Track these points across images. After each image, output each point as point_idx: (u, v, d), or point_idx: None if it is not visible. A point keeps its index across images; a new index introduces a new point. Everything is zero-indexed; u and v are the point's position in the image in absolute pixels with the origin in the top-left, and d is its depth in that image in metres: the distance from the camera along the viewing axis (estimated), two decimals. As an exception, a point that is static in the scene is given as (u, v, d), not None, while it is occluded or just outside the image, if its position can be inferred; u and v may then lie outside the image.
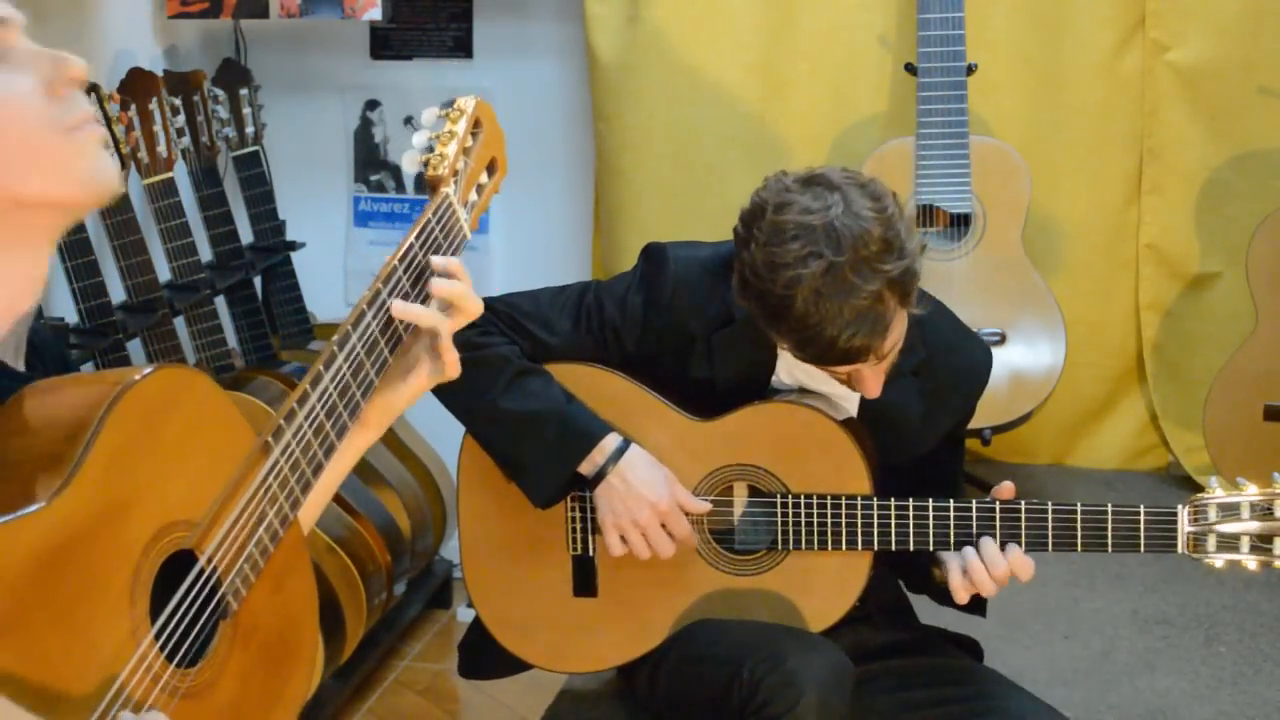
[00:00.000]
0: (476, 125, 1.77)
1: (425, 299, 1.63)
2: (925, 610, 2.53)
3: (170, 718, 1.31)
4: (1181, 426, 3.88)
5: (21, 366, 1.42)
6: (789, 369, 2.21)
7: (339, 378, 1.52)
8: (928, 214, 3.77)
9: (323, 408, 1.50)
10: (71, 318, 3.15)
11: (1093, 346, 3.95)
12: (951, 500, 2.13)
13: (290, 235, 3.97)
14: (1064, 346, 3.71)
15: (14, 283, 1.34)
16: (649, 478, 2.17)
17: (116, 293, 3.24)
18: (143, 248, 3.24)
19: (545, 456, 2.20)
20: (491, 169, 1.82)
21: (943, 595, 2.24)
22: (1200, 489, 3.66)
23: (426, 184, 1.69)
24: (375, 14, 3.79)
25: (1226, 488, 2.14)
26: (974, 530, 2.12)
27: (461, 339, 2.22)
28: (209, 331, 3.51)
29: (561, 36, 4.15)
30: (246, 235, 3.83)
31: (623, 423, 2.22)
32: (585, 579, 2.26)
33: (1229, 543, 2.11)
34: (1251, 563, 2.11)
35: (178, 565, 1.35)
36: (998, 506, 2.12)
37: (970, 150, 3.68)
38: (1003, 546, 2.13)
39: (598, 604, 2.26)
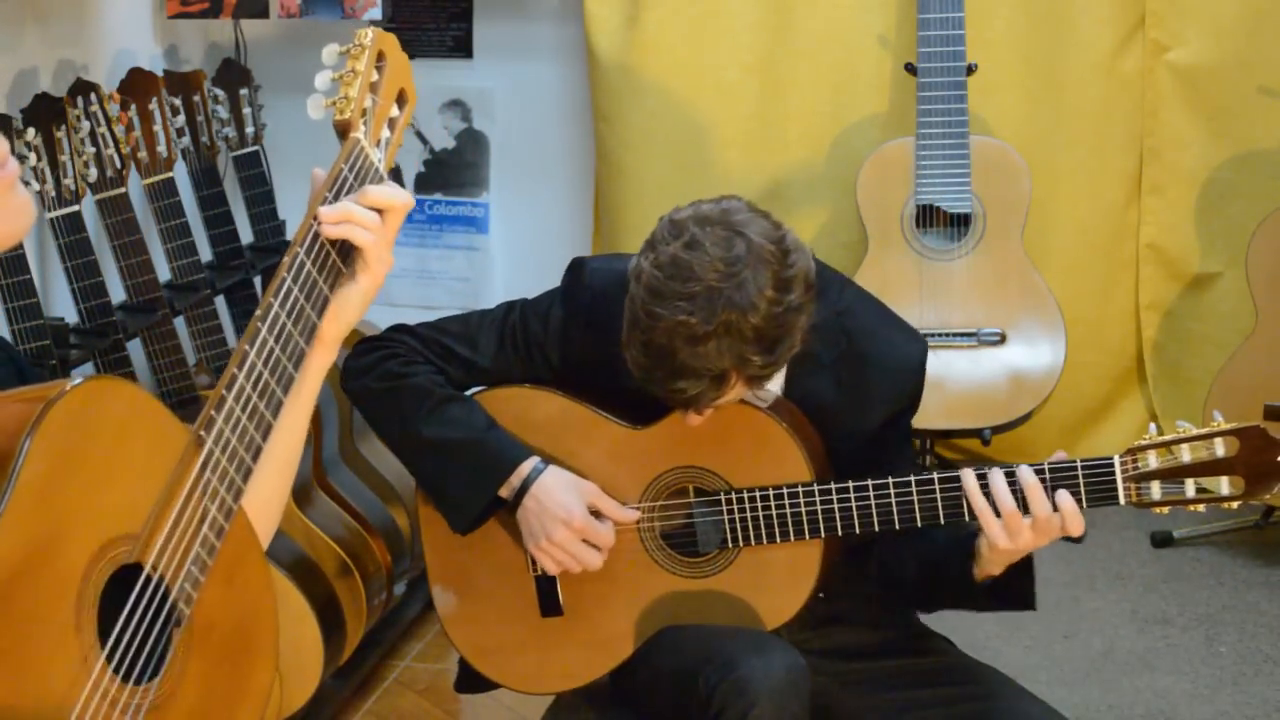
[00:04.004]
0: (380, 58, 1.66)
1: (349, 255, 1.53)
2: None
3: None
4: (1181, 426, 3.88)
5: None
6: None
7: (264, 351, 1.44)
8: (928, 214, 3.77)
9: (252, 386, 1.42)
10: (71, 317, 3.14)
11: (1093, 346, 3.95)
12: (890, 479, 2.10)
13: (290, 235, 3.97)
14: (1064, 346, 3.71)
15: None
16: (562, 497, 2.17)
17: (116, 293, 3.23)
18: (143, 248, 3.24)
19: (465, 482, 2.21)
20: (401, 101, 1.71)
21: (981, 595, 2.18)
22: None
23: (335, 130, 1.58)
24: (375, 14, 3.79)
25: (1165, 433, 2.02)
26: (915, 505, 2.09)
27: (385, 370, 2.24)
28: (209, 331, 3.50)
29: (561, 36, 4.15)
30: (246, 235, 3.83)
31: (558, 440, 2.22)
32: (550, 599, 2.26)
33: (1173, 488, 2.00)
34: (1200, 506, 2.00)
35: (126, 581, 1.29)
36: (936, 478, 2.09)
37: (970, 150, 3.68)
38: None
39: (565, 622, 2.27)
